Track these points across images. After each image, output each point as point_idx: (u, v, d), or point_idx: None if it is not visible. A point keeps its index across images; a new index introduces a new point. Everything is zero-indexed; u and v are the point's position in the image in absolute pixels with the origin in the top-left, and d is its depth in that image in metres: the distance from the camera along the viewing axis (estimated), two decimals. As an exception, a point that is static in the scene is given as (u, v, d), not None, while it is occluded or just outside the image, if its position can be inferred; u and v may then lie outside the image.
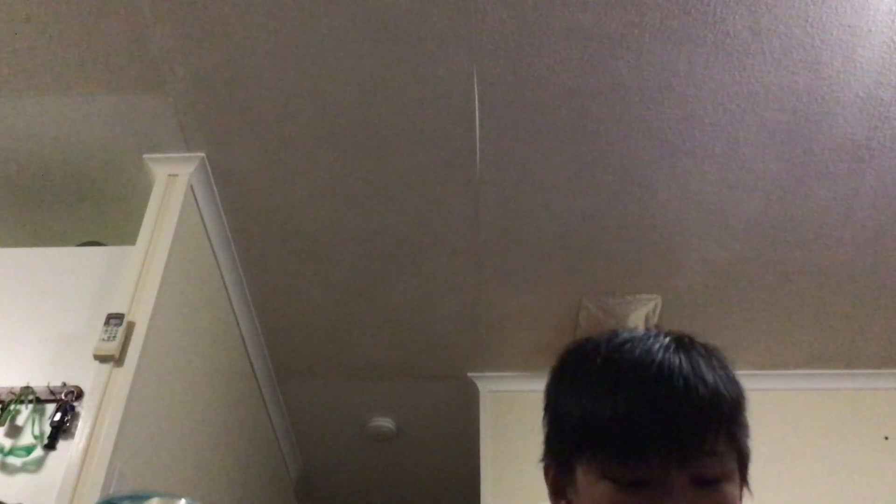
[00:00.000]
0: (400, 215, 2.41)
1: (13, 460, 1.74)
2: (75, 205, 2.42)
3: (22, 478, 1.72)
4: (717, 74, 2.02)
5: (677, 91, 2.06)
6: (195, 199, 2.28)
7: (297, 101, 2.11)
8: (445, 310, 2.74)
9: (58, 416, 1.77)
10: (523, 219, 2.41)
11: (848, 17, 1.90)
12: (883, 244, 2.43)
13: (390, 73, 2.04)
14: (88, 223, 2.45)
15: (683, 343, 0.80)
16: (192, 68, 2.04)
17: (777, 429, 2.81)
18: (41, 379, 1.84)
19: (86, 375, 1.84)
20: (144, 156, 2.26)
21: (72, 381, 1.84)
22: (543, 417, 0.85)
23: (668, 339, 0.80)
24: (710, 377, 0.76)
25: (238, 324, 2.67)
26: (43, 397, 1.82)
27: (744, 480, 0.79)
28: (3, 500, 1.65)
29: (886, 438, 2.77)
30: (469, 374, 3.01)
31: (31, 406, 1.81)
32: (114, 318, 1.91)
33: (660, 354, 0.77)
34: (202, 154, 2.25)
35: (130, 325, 1.92)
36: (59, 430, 1.76)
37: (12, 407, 1.80)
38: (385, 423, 3.33)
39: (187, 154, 2.25)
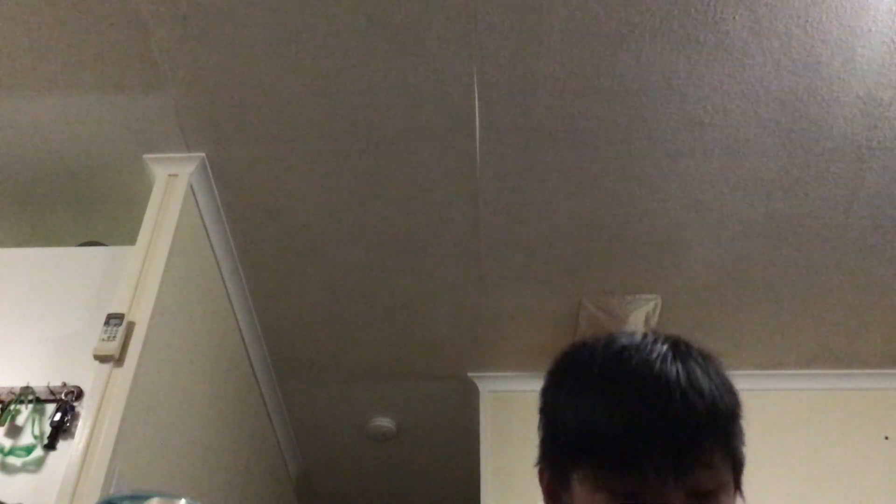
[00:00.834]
0: (400, 215, 2.41)
1: (13, 460, 1.74)
2: (75, 205, 2.42)
3: (22, 478, 1.72)
4: (717, 74, 2.02)
5: (677, 91, 2.06)
6: (195, 199, 2.28)
7: (297, 102, 2.11)
8: (445, 310, 2.74)
9: (58, 416, 1.77)
10: (523, 219, 2.41)
11: (848, 17, 1.90)
12: (883, 244, 2.43)
13: (390, 74, 2.04)
14: (88, 223, 2.45)
15: (680, 351, 0.80)
16: (192, 68, 2.04)
17: (777, 429, 2.81)
18: (41, 379, 1.84)
19: (86, 375, 1.84)
20: (144, 156, 2.26)
21: (72, 381, 1.84)
22: (539, 421, 0.86)
23: (665, 348, 0.79)
24: (707, 388, 0.76)
25: (238, 324, 2.67)
26: (43, 397, 1.82)
27: (738, 488, 0.80)
28: (4, 500, 1.65)
29: (886, 438, 2.77)
30: (469, 374, 3.01)
31: (31, 406, 1.81)
32: (114, 318, 1.91)
33: (657, 365, 0.77)
34: (202, 154, 2.25)
35: (130, 325, 1.92)
36: (59, 430, 1.76)
37: (12, 407, 1.80)
38: (385, 423, 3.33)
39: (187, 154, 2.25)
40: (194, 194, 2.27)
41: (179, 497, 0.94)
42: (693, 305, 2.66)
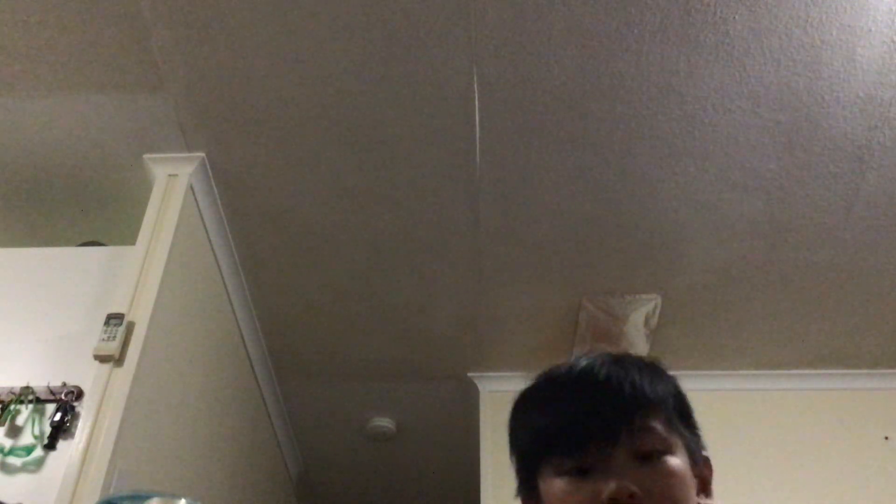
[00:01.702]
0: (400, 215, 2.41)
1: (13, 460, 1.74)
2: (75, 205, 2.42)
3: (22, 478, 1.72)
4: (717, 74, 2.02)
5: (677, 91, 2.06)
6: (195, 199, 2.28)
7: (297, 102, 2.11)
8: (445, 310, 2.74)
9: (58, 416, 1.77)
10: (523, 219, 2.41)
11: (848, 17, 1.90)
12: (883, 244, 2.43)
13: (390, 74, 2.04)
14: (88, 223, 2.45)
15: (619, 359, 0.90)
16: (192, 68, 2.04)
17: (777, 429, 2.81)
18: (41, 379, 1.84)
19: (86, 375, 1.84)
20: (144, 156, 2.26)
21: (72, 381, 1.84)
22: (510, 457, 0.95)
23: (607, 358, 0.89)
24: (636, 379, 0.86)
25: (238, 324, 2.67)
26: (43, 397, 1.82)
27: (693, 460, 0.86)
28: (4, 500, 1.65)
29: (886, 438, 2.77)
30: (469, 374, 3.01)
31: (31, 406, 1.81)
32: (114, 318, 1.91)
33: (595, 369, 0.87)
34: (202, 154, 2.25)
35: (130, 325, 1.92)
36: (59, 430, 1.76)
37: (12, 407, 1.80)
38: (385, 423, 3.33)
39: (187, 154, 2.25)
40: (194, 194, 2.27)
41: (179, 497, 0.94)
42: (693, 305, 2.66)
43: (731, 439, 2.77)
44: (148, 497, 0.94)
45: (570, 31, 1.94)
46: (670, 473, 0.82)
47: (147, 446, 1.93)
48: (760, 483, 2.70)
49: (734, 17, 1.91)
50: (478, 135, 2.18)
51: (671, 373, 0.92)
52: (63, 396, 1.81)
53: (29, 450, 1.74)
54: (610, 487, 0.79)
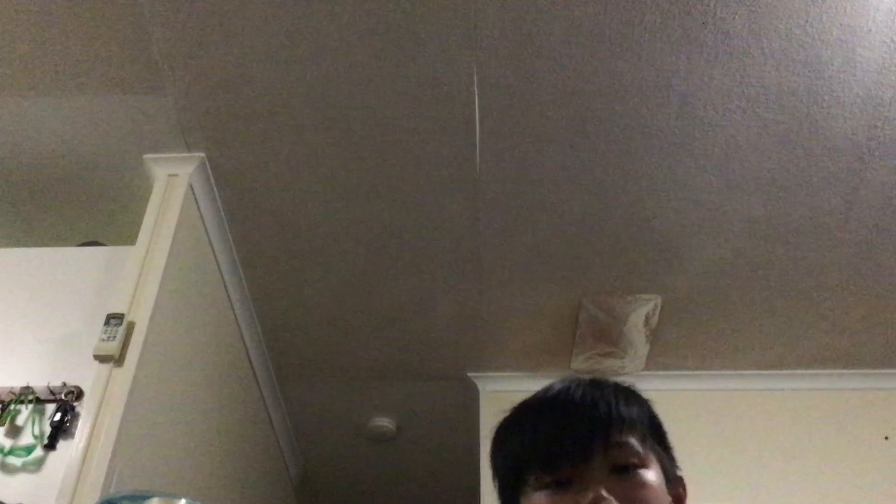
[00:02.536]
0: (400, 215, 2.41)
1: (13, 460, 1.74)
2: (75, 205, 2.42)
3: (22, 478, 1.72)
4: (717, 74, 2.02)
5: (677, 91, 2.06)
6: (195, 199, 2.28)
7: (297, 102, 2.11)
8: (445, 310, 2.74)
9: (58, 417, 1.77)
10: (523, 219, 2.41)
11: (848, 17, 1.90)
12: (883, 244, 2.43)
13: (390, 74, 2.04)
14: (88, 223, 2.45)
15: (596, 381, 0.93)
16: (192, 68, 2.04)
17: (777, 429, 2.81)
18: (41, 379, 1.84)
19: (86, 375, 1.84)
20: (144, 156, 2.26)
21: (72, 381, 1.84)
22: (493, 483, 0.96)
23: (584, 381, 0.93)
24: (611, 399, 0.89)
25: (238, 324, 2.67)
26: (43, 397, 1.82)
27: (668, 478, 0.89)
28: (4, 500, 1.65)
29: (886, 438, 2.77)
30: (469, 374, 3.01)
31: (31, 406, 1.81)
32: (114, 318, 1.90)
33: (565, 387, 0.92)
34: (202, 154, 2.25)
35: (130, 325, 1.92)
36: (59, 430, 1.76)
37: (12, 407, 1.80)
38: (385, 423, 3.33)
39: (187, 154, 2.25)
40: (194, 194, 2.27)
41: (179, 497, 0.94)
42: (693, 305, 2.66)
43: (731, 439, 2.77)
44: (148, 497, 0.94)
45: (570, 31, 1.94)
46: (646, 486, 0.85)
47: (147, 446, 1.93)
48: (760, 483, 2.70)
49: (734, 17, 1.91)
50: (478, 135, 2.18)
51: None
52: (63, 396, 1.81)
53: (29, 450, 1.74)
54: (588, 497, 0.82)
